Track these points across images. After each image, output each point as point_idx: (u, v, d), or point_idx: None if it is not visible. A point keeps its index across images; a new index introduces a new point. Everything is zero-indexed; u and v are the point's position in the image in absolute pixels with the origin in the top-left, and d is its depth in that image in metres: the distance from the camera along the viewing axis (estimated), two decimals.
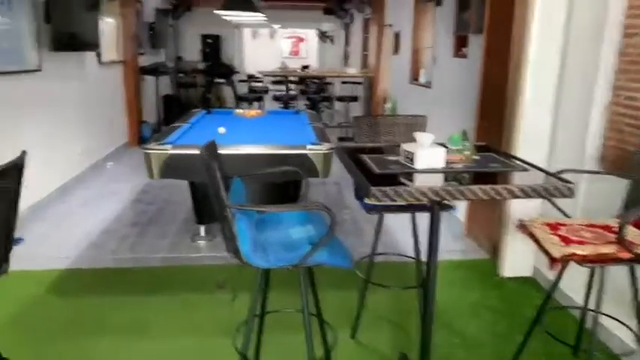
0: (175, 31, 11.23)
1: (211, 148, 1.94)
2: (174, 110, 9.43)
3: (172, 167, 3.36)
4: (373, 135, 2.69)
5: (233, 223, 1.73)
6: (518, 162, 2.11)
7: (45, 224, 4.21)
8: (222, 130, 4.06)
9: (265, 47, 17.97)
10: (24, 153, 1.78)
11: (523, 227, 2.22)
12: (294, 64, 16.43)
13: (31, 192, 4.43)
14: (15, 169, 1.68)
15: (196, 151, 3.32)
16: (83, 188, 5.25)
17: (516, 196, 1.70)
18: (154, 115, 8.61)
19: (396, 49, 6.83)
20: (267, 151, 3.39)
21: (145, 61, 8.25)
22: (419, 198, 1.66)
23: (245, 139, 3.83)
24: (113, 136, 6.84)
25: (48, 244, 3.81)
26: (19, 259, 3.66)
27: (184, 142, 3.59)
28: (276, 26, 15.87)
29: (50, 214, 4.43)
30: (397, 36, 6.78)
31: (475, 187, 1.68)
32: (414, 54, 6.12)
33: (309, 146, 3.41)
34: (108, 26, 6.54)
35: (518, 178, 1.93)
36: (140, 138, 7.54)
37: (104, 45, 6.29)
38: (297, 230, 2.03)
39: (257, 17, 5.34)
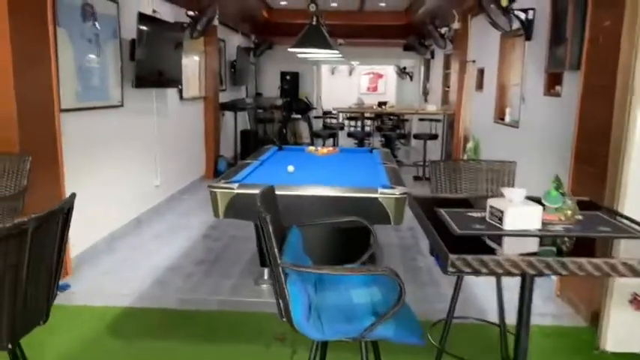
0: (256, 68, 11.55)
1: (267, 196, 1.75)
2: (250, 145, 9.59)
3: (238, 207, 3.24)
4: (453, 182, 2.40)
5: (285, 285, 1.51)
6: (632, 224, 1.73)
7: (116, 255, 4.25)
8: (291, 168, 3.92)
9: (343, 83, 18.13)
10: (73, 196, 1.69)
11: (638, 303, 1.81)
12: (372, 100, 16.36)
13: (108, 222, 4.54)
14: (61, 213, 1.58)
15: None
16: (157, 221, 5.32)
17: (639, 274, 1.34)
18: (230, 149, 8.77)
19: (480, 85, 6.47)
20: (335, 193, 3.18)
21: (225, 97, 8.47)
22: (510, 270, 1.35)
23: (313, 178, 3.65)
24: (190, 170, 6.99)
25: (115, 277, 3.81)
26: (85, 293, 3.74)
27: (252, 181, 3.47)
28: (354, 63, 15.97)
29: (123, 246, 4.49)
30: (481, 72, 6.43)
31: (583, 261, 1.34)
32: (500, 91, 5.73)
33: (380, 190, 3.15)
34: (191, 63, 6.77)
35: (631, 245, 1.56)
36: (216, 172, 7.67)
37: (186, 81, 6.50)
38: (359, 293, 1.77)
39: (332, 54, 5.24)
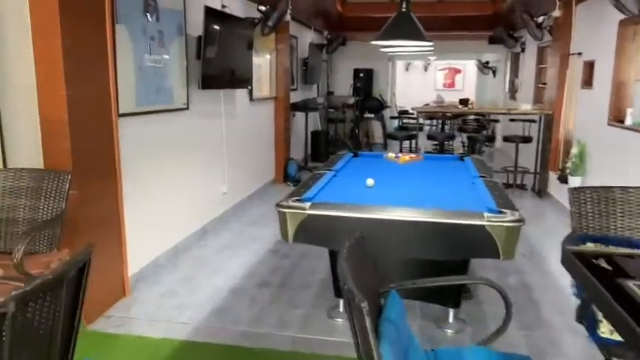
0: (328, 66, 11.08)
1: (356, 253, 1.21)
2: (321, 146, 9.13)
3: (310, 231, 2.74)
4: (604, 217, 1.75)
5: None
6: None
7: (177, 273, 3.90)
8: (370, 182, 3.37)
9: (418, 80, 17.25)
10: (90, 247, 1.24)
11: None
12: (449, 98, 15.39)
13: (171, 235, 4.21)
14: (66, 277, 1.14)
15: (341, 213, 2.68)
16: (223, 231, 4.96)
17: None
18: (301, 151, 8.34)
19: (588, 82, 5.56)
20: (427, 218, 2.59)
21: (296, 96, 8.05)
22: None
23: (397, 196, 3.08)
24: (259, 174, 6.61)
25: (174, 301, 3.44)
26: (142, 320, 3.35)
27: (326, 199, 2.96)
28: (432, 58, 15.09)
29: (185, 261, 4.14)
30: (589, 66, 5.51)
31: None
32: (617, 88, 4.83)
33: (487, 215, 2.53)
34: (261, 61, 6.38)
35: None
36: (286, 175, 7.26)
37: (256, 81, 6.12)
38: None
39: (422, 46, 4.59)
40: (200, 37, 4.37)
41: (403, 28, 3.86)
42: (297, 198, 2.89)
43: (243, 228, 5.11)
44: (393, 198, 3.03)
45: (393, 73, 12.94)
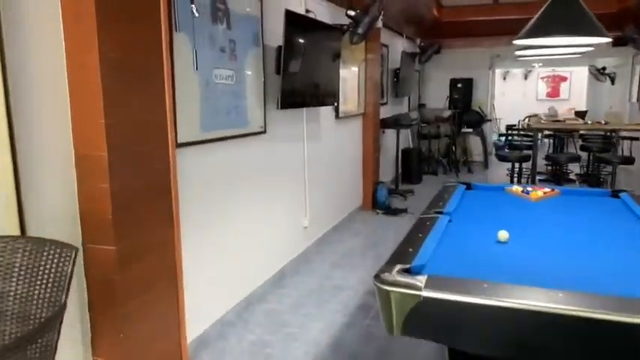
0: (420, 76, 10.13)
1: None
2: (412, 166, 8.18)
3: (428, 321, 1.87)
4: None
5: None
6: None
7: (247, 337, 3.18)
8: (504, 235, 2.42)
9: (516, 89, 15.68)
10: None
11: None
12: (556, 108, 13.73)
13: (241, 284, 3.52)
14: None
15: (475, 298, 1.79)
16: (304, 275, 4.20)
17: None
18: (390, 172, 7.45)
19: None
20: (627, 317, 1.61)
21: (386, 111, 7.21)
22: None
23: (550, 261, 2.13)
24: (345, 201, 5.82)
25: None
26: None
27: (446, 266, 2.07)
28: (537, 65, 13.57)
29: (257, 319, 3.42)
30: None
31: None
32: None
33: None
34: (349, 74, 5.62)
35: None
36: (374, 202, 6.41)
37: (343, 96, 5.36)
38: None
39: (589, 44, 3.50)
40: (280, 47, 3.67)
41: (567, 20, 2.79)
42: (405, 267, 2.02)
43: (327, 270, 4.32)
44: (543, 265, 2.09)
45: (492, 82, 11.68)
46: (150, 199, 2.44)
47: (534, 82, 16.15)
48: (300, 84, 3.97)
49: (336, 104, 4.91)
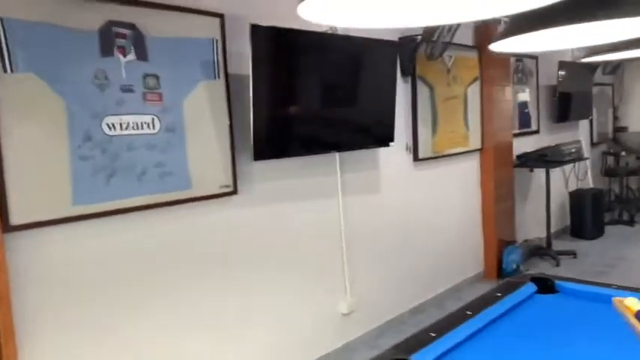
0: (613, 91, 7.64)
1: None
2: (585, 214, 5.93)
3: None
4: None
5: None
6: None
7: None
8: None
9: None
10: None
11: None
12: None
13: None
14: None
15: None
16: None
17: None
18: (541, 226, 5.44)
19: None
20: None
21: (536, 143, 5.41)
22: None
23: None
24: (451, 269, 4.31)
25: None
26: None
27: None
28: None
29: None
30: None
31: None
32: None
33: None
34: (445, 99, 4.18)
35: None
36: (500, 269, 4.67)
37: (427, 130, 3.98)
38: None
39: None
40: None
41: None
42: None
43: None
44: None
45: None
46: None
47: None
48: (302, 123, 2.87)
49: (390, 144, 3.54)
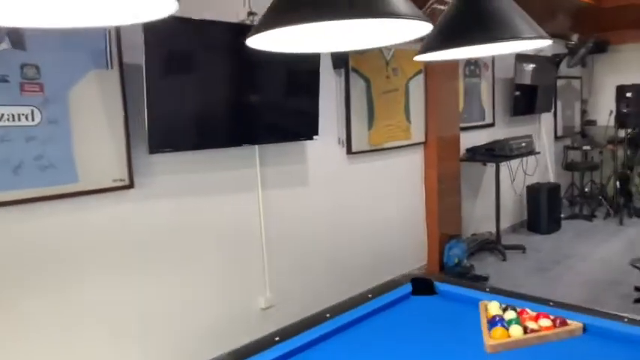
0: (582, 85, 7.58)
1: None
2: (541, 209, 5.89)
3: None
4: None
5: None
6: None
7: None
8: None
9: None
10: None
11: None
12: None
13: None
14: None
15: None
16: None
17: None
18: (489, 221, 5.37)
19: None
20: None
21: (493, 135, 5.35)
22: None
23: None
24: (387, 264, 4.26)
25: None
26: None
27: None
28: None
29: None
30: None
31: None
32: None
33: None
34: (383, 93, 4.10)
35: None
36: (442, 264, 4.63)
37: (361, 124, 3.90)
38: None
39: None
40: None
41: None
42: None
43: None
44: None
45: None
46: None
47: None
48: (206, 114, 2.79)
49: (317, 137, 3.46)
